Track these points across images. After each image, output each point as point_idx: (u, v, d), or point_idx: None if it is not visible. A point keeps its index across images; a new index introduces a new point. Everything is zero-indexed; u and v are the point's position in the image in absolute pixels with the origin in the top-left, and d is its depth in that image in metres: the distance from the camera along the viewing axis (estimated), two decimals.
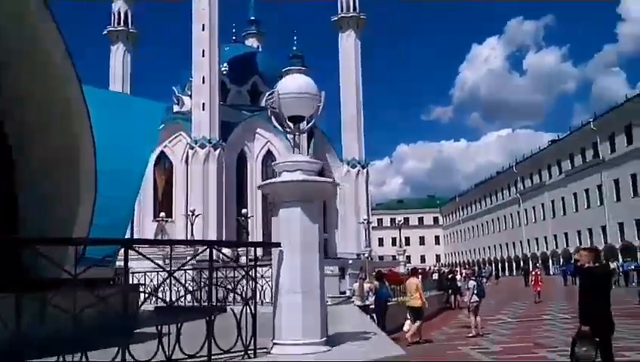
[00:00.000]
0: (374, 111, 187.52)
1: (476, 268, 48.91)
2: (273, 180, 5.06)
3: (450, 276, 23.76)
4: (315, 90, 5.29)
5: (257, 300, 7.67)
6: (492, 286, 42.95)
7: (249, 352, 4.87)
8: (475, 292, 15.86)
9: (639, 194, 50.69)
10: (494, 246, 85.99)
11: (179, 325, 4.68)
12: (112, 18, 69.73)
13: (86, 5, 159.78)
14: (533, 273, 27.84)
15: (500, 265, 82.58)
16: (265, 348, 5.09)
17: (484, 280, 21.87)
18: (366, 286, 14.14)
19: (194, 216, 53.01)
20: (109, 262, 9.40)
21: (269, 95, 5.32)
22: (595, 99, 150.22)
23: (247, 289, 5.78)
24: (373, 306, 14.71)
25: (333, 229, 67.76)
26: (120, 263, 6.66)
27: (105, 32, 69.81)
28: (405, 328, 14.26)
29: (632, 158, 50.48)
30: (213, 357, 4.64)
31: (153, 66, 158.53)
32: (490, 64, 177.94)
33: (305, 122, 5.35)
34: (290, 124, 5.45)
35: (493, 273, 58.63)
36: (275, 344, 5.07)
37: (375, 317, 14.28)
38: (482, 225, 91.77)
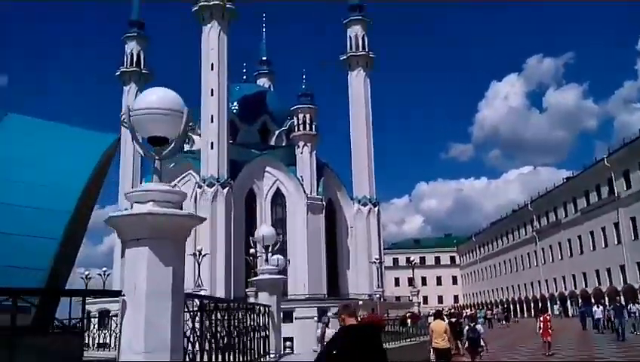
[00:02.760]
0: (393, 149, 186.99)
1: (470, 312, 46.86)
2: (118, 213, 4.22)
3: (455, 320, 22.38)
4: (177, 105, 4.46)
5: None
6: (501, 329, 41.12)
7: None
8: (470, 336, 14.80)
9: None
10: (512, 286, 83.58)
11: None
12: (125, 59, 70.64)
13: (98, 46, 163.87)
14: (541, 318, 21.83)
15: (517, 306, 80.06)
16: None
17: (479, 324, 20.37)
18: (329, 331, 13.08)
19: (201, 256, 52.20)
20: (28, 309, 8.51)
21: (123, 113, 4.37)
22: (618, 135, 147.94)
23: None
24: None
25: (345, 269, 66.49)
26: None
27: (117, 73, 70.64)
28: None
29: None
30: None
31: None
32: (510, 101, 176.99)
33: (170, 145, 4.51)
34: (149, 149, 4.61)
35: (503, 315, 56.35)
36: None
37: None
38: (499, 264, 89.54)
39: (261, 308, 10.22)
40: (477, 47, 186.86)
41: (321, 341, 12.87)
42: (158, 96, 4.52)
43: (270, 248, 11.50)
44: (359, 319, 17.49)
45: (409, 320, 21.24)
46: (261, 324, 10.07)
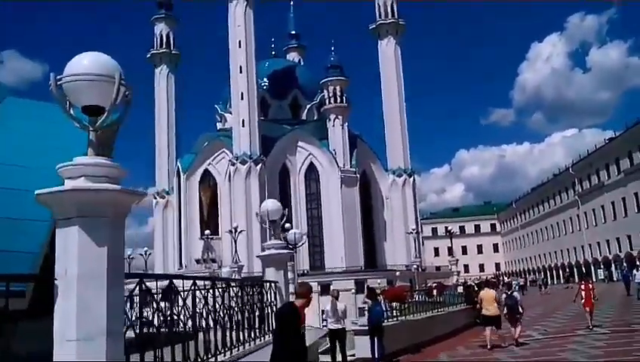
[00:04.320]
0: (430, 118, 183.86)
1: (506, 280, 45.83)
2: (46, 190, 3.87)
3: (477, 289, 21.80)
4: (112, 70, 4.06)
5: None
6: (540, 296, 40.23)
7: None
8: (507, 303, 14.90)
9: None
10: (554, 252, 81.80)
11: None
12: (155, 41, 70.84)
13: (129, 28, 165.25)
14: (582, 286, 18.63)
15: (560, 272, 78.38)
16: None
17: (516, 291, 19.62)
18: (340, 305, 12.74)
19: (237, 233, 52.55)
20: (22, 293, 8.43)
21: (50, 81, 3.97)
22: None
23: None
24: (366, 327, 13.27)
25: (382, 240, 66.13)
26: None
27: (148, 55, 70.95)
28: (488, 335, 14.94)
29: None
30: None
31: (196, 85, 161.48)
32: (552, 62, 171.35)
33: (104, 115, 4.13)
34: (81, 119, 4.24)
35: (543, 281, 55.08)
36: None
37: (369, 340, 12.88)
38: (541, 230, 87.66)
39: (267, 284, 9.93)
40: (515, 7, 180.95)
41: (331, 314, 12.54)
42: (90, 61, 4.13)
43: (278, 222, 11.19)
44: (381, 291, 17.08)
45: (434, 291, 20.79)
46: (268, 301, 9.79)
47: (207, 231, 57.01)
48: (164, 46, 70.27)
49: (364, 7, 69.00)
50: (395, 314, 15.90)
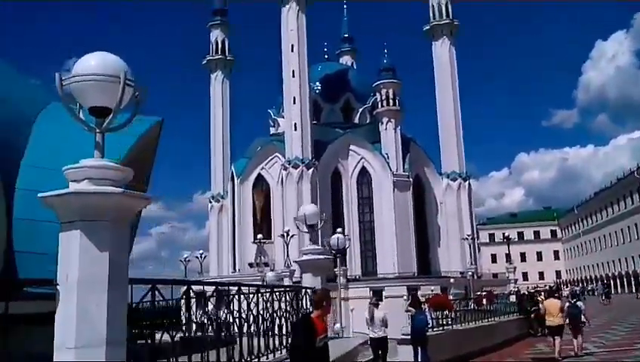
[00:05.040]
0: (488, 120, 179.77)
1: (568, 288, 43.86)
2: (52, 193, 3.76)
3: (531, 298, 20.93)
4: (115, 69, 3.94)
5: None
6: (603, 306, 38.48)
7: None
8: (571, 312, 14.45)
9: None
10: (618, 259, 78.36)
11: None
12: (210, 47, 72.04)
13: (184, 34, 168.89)
14: None
15: (625, 280, 75.01)
16: None
17: (580, 301, 18.72)
18: (379, 313, 12.30)
19: (289, 237, 52.65)
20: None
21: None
22: None
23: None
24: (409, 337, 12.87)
25: (436, 246, 64.97)
26: None
27: (204, 62, 72.20)
28: (557, 345, 14.90)
29: None
30: None
31: (251, 90, 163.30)
32: (618, 61, 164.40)
33: (111, 116, 4.01)
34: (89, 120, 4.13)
35: (604, 290, 52.41)
36: None
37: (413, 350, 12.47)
38: (604, 237, 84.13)
39: (303, 290, 9.72)
40: (578, 5, 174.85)
41: (370, 323, 12.18)
42: (97, 61, 4.02)
43: (316, 226, 10.97)
44: (426, 299, 16.59)
45: (484, 300, 20.06)
46: (304, 307, 9.58)
47: (259, 236, 57.40)
48: (219, 52, 71.31)
49: (418, 8, 68.20)
50: (440, 323, 15.41)
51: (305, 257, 10.56)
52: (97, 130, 4.05)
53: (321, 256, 10.70)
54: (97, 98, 3.99)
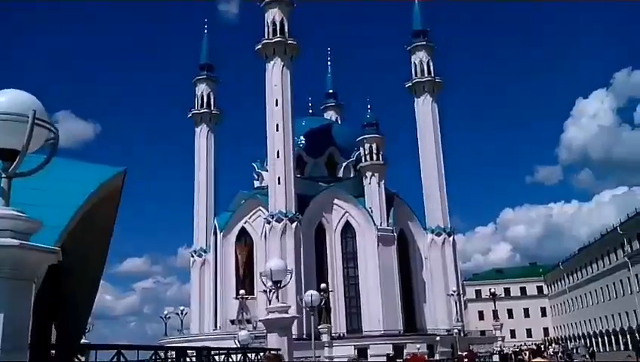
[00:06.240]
0: (473, 175, 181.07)
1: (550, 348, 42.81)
2: None
3: (515, 357, 20.18)
4: (24, 108, 3.49)
5: None
6: None
7: None
8: None
9: None
10: (605, 316, 77.36)
11: None
12: (196, 101, 72.38)
13: (170, 89, 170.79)
14: None
15: (612, 338, 73.89)
16: None
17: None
18: None
19: (272, 293, 51.46)
20: None
21: None
22: None
23: None
24: None
25: (421, 302, 63.94)
26: None
27: (189, 115, 72.37)
28: None
29: None
30: None
31: (235, 143, 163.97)
32: (599, 119, 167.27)
33: (17, 159, 3.53)
34: None
35: (587, 349, 51.21)
36: None
37: None
38: (590, 293, 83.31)
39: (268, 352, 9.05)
40: (558, 63, 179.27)
41: None
42: (7, 99, 3.58)
43: (281, 283, 10.35)
44: (404, 359, 15.88)
45: (465, 360, 19.29)
46: None
47: (241, 291, 56.16)
48: (204, 106, 71.63)
49: (401, 64, 69.53)
50: None
51: (270, 316, 9.91)
52: (3, 175, 3.57)
53: (287, 315, 10.06)
54: (2, 139, 3.53)
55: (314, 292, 21.04)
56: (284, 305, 10.38)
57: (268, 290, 15.11)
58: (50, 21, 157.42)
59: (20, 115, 3.52)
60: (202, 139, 71.32)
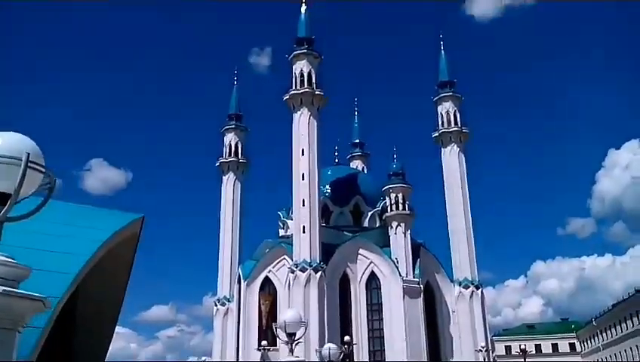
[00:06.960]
0: (504, 227, 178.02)
1: None
2: None
3: None
4: (18, 151, 3.39)
5: None
6: None
7: None
8: None
9: None
10: None
11: None
12: (224, 150, 73.19)
13: (199, 136, 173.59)
14: None
15: None
16: None
17: None
18: None
19: (294, 344, 50.49)
20: None
21: None
22: None
23: None
24: None
25: (448, 357, 62.02)
26: None
27: (217, 164, 73.11)
28: None
29: None
30: None
31: (262, 191, 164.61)
32: (632, 170, 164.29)
33: (9, 203, 3.42)
34: None
35: None
36: None
37: None
38: (625, 351, 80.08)
39: None
40: (589, 113, 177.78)
41: None
42: (3, 141, 3.49)
43: (295, 336, 9.99)
44: None
45: None
46: None
47: (264, 342, 55.23)
48: (232, 155, 72.32)
49: (428, 114, 69.52)
50: None
51: None
52: None
53: None
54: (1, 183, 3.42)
55: (332, 346, 20.38)
56: (298, 358, 10.00)
57: (285, 342, 14.62)
58: (83, 69, 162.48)
59: (13, 158, 3.42)
60: (229, 187, 71.73)
